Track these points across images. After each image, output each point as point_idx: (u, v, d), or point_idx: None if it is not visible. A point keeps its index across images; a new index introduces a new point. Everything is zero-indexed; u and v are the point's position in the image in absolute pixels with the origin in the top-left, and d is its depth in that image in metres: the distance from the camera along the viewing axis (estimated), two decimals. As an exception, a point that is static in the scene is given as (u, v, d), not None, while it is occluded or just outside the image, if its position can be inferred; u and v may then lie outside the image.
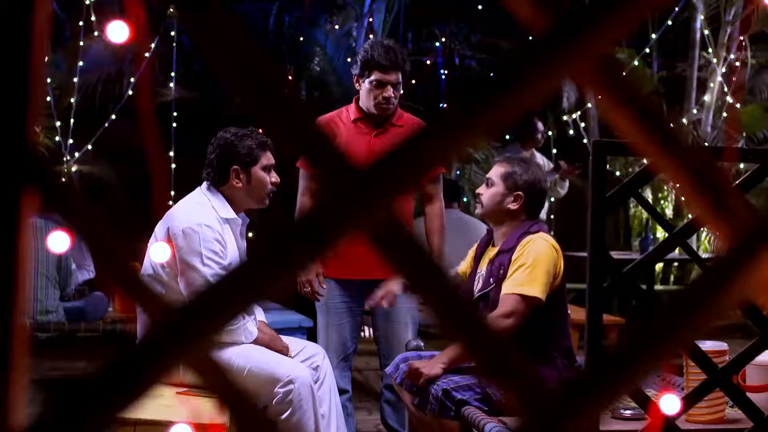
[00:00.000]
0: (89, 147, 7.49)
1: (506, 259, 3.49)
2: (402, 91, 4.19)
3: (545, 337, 3.45)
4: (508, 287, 3.42)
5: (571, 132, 9.34)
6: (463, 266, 3.86)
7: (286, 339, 3.71)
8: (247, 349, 3.47)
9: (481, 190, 3.68)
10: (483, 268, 3.65)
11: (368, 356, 6.33)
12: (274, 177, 3.64)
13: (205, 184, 3.63)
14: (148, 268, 3.50)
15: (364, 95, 4.13)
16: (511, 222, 3.59)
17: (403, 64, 4.11)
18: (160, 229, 3.52)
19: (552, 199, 8.71)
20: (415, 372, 3.46)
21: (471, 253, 3.85)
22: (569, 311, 3.72)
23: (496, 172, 3.64)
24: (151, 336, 0.74)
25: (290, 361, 3.55)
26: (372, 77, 4.07)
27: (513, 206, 3.57)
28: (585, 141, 8.98)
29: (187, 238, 3.42)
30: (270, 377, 3.40)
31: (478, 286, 3.61)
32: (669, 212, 9.17)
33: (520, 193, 3.56)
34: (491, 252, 3.65)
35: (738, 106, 8.71)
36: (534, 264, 3.41)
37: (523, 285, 3.39)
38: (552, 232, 8.27)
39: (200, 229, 3.43)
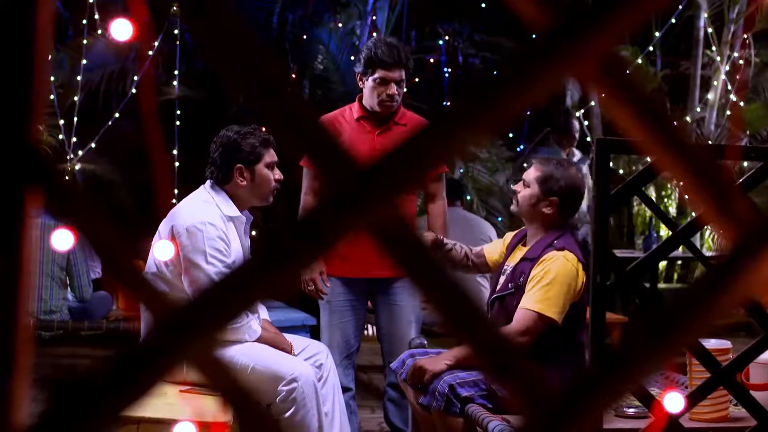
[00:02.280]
0: (92, 145, 7.49)
1: (528, 268, 3.44)
2: (405, 89, 4.19)
3: (561, 344, 3.41)
4: (524, 302, 3.37)
5: (575, 130, 9.32)
6: (495, 253, 3.80)
7: (290, 337, 3.71)
8: (250, 347, 3.47)
9: (518, 188, 3.60)
10: (510, 265, 3.61)
11: (372, 354, 6.33)
12: (277, 174, 3.64)
13: (208, 183, 3.63)
14: (151, 267, 3.51)
15: (367, 93, 4.13)
16: (543, 225, 3.52)
17: (406, 61, 4.11)
18: (164, 227, 3.52)
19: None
20: (419, 369, 3.45)
21: (506, 240, 3.79)
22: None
23: (533, 174, 3.55)
24: (155, 334, 0.74)
25: (293, 359, 3.55)
26: (375, 75, 4.07)
27: (547, 210, 3.50)
28: (588, 139, 8.97)
29: (191, 236, 3.42)
30: (273, 375, 3.40)
31: (501, 281, 3.60)
32: (672, 210, 9.16)
33: (555, 198, 3.49)
34: (519, 252, 3.61)
35: (741, 104, 8.70)
36: (552, 283, 3.34)
37: (539, 303, 3.34)
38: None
39: (204, 228, 3.43)
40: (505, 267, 3.62)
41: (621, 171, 9.00)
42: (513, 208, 3.66)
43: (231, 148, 3.59)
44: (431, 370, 3.41)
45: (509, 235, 3.80)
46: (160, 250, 3.47)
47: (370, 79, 4.09)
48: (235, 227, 3.58)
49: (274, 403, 3.39)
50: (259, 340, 3.52)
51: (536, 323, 3.33)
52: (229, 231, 3.53)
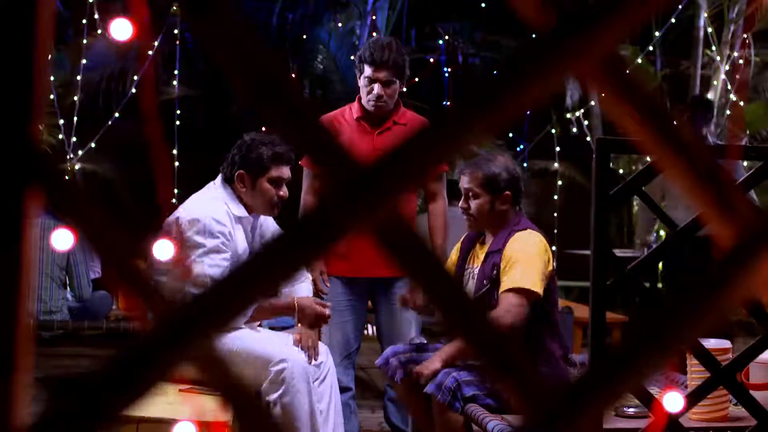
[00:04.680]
0: (92, 145, 7.49)
1: (498, 259, 3.51)
2: (405, 89, 4.18)
3: (540, 333, 3.46)
4: (506, 284, 3.43)
5: (575, 130, 9.33)
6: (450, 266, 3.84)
7: (290, 337, 3.71)
8: (240, 331, 3.47)
9: (464, 204, 3.61)
10: (474, 266, 3.65)
11: (372, 354, 6.32)
12: (282, 191, 3.61)
13: (219, 177, 3.64)
14: (152, 265, 3.51)
15: (362, 92, 4.14)
16: (502, 221, 3.60)
17: (395, 62, 4.05)
18: (170, 219, 3.53)
19: (555, 197, 8.69)
20: (416, 376, 3.48)
21: (455, 248, 3.84)
22: (572, 309, 3.73)
23: (473, 181, 3.59)
24: (155, 333, 0.74)
25: (283, 342, 3.56)
26: (365, 73, 4.08)
27: (504, 207, 3.58)
28: (588, 139, 8.97)
29: (192, 229, 3.43)
30: (263, 357, 3.41)
31: (469, 285, 3.62)
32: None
33: (507, 192, 3.57)
34: (481, 251, 3.65)
35: (741, 103, 8.70)
36: (526, 260, 3.43)
37: (521, 280, 3.41)
38: (555, 229, 8.25)
39: (207, 221, 3.44)
40: (468, 270, 3.65)
41: (621, 170, 9.00)
42: (469, 225, 3.66)
43: (241, 152, 3.59)
44: (427, 375, 3.44)
45: (457, 245, 3.84)
46: (160, 249, 3.47)
47: (361, 77, 4.11)
48: (243, 227, 3.59)
49: (264, 385, 3.39)
50: (257, 312, 3.52)
51: (523, 299, 3.39)
52: (236, 229, 3.53)
